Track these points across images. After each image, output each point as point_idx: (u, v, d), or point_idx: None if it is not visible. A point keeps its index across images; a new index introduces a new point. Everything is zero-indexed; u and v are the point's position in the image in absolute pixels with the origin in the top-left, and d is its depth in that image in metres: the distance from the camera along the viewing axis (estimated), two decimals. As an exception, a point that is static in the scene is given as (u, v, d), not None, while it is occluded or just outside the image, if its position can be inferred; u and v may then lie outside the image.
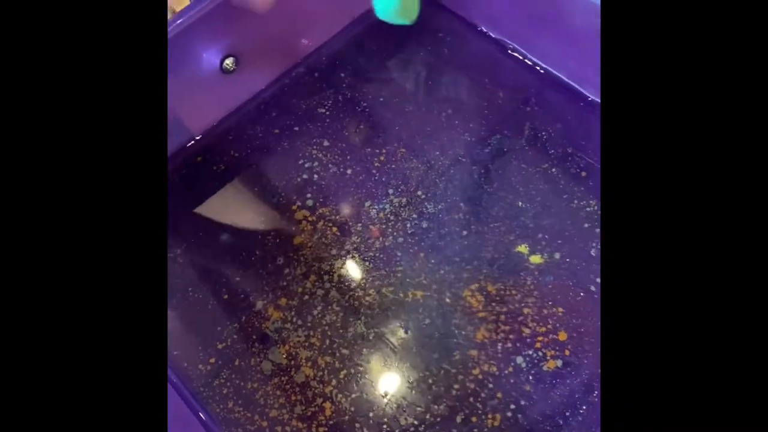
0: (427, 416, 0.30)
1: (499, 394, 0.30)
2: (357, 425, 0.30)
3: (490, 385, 0.30)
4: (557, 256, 0.32)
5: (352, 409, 0.30)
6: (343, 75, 0.39)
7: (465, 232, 0.34)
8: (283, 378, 0.31)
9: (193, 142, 0.37)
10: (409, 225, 0.34)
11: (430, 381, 0.31)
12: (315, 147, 0.37)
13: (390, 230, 0.34)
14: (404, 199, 0.35)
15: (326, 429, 0.30)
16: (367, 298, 0.32)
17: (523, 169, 0.35)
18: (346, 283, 0.33)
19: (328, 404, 0.30)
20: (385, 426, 0.30)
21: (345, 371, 0.31)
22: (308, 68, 0.39)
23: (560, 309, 0.32)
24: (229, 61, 0.33)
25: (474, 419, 0.30)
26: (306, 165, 0.36)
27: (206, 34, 0.31)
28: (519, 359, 0.31)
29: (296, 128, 0.37)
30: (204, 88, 0.34)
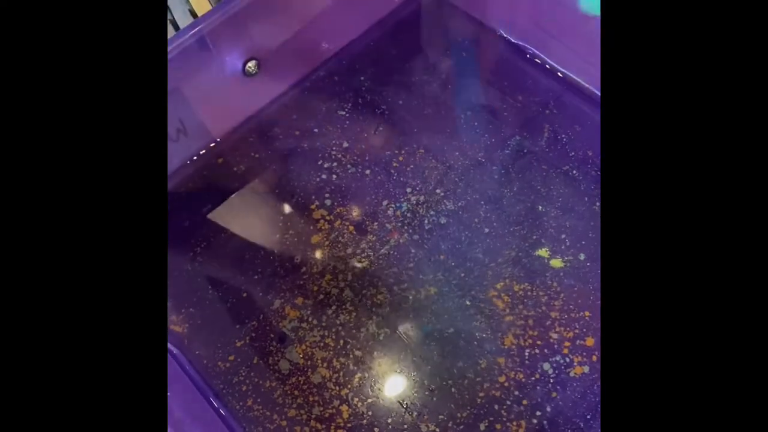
0: (450, 424, 0.29)
1: (524, 401, 0.29)
2: (376, 430, 0.29)
3: (516, 392, 0.29)
4: (582, 257, 0.31)
5: (370, 413, 0.30)
6: (362, 78, 0.39)
7: (487, 230, 0.33)
8: (300, 378, 0.31)
9: (214, 143, 0.37)
10: (426, 221, 0.33)
11: (453, 390, 0.30)
12: (334, 148, 0.37)
13: (406, 228, 0.34)
14: (422, 197, 0.34)
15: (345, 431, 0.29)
16: (380, 297, 0.32)
17: (543, 171, 0.35)
18: (360, 282, 0.32)
19: (345, 407, 0.30)
20: None
21: (360, 374, 0.30)
22: (328, 72, 0.40)
23: (587, 313, 0.31)
24: (251, 65, 0.34)
25: (498, 426, 0.29)
26: (325, 165, 0.36)
27: (229, 37, 0.32)
28: (546, 365, 0.30)
29: (316, 130, 0.38)
30: (226, 91, 0.35)
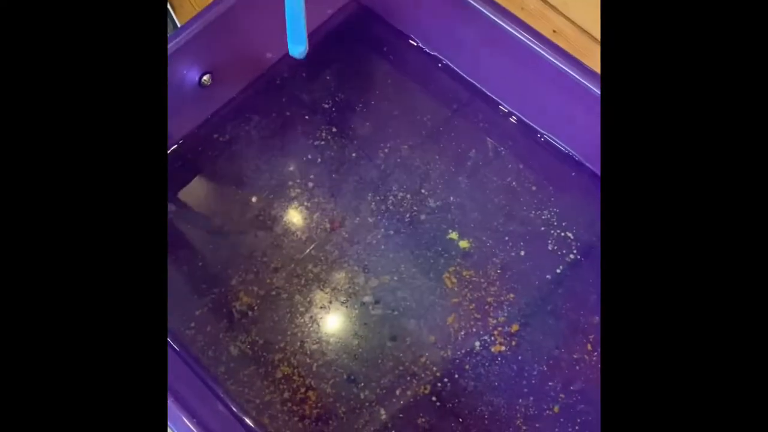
0: (401, 402, 0.31)
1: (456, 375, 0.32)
2: (338, 404, 0.31)
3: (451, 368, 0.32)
4: (522, 253, 0.35)
5: (334, 392, 0.31)
6: (329, 77, 0.40)
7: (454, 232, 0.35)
8: (266, 357, 0.32)
9: (176, 145, 0.38)
10: (408, 216, 0.35)
11: (391, 363, 0.32)
12: (323, 132, 0.38)
13: (386, 221, 0.35)
14: (408, 195, 0.36)
15: (319, 410, 0.31)
16: (342, 283, 0.34)
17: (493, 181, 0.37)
18: (322, 264, 0.34)
19: (311, 393, 0.31)
20: (366, 410, 0.31)
21: (320, 361, 0.32)
22: (272, 77, 0.40)
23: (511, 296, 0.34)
24: (206, 78, 0.36)
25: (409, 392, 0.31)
26: (308, 156, 0.37)
27: (188, 57, 0.34)
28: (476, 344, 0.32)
29: (267, 129, 0.38)
30: (184, 101, 0.36)
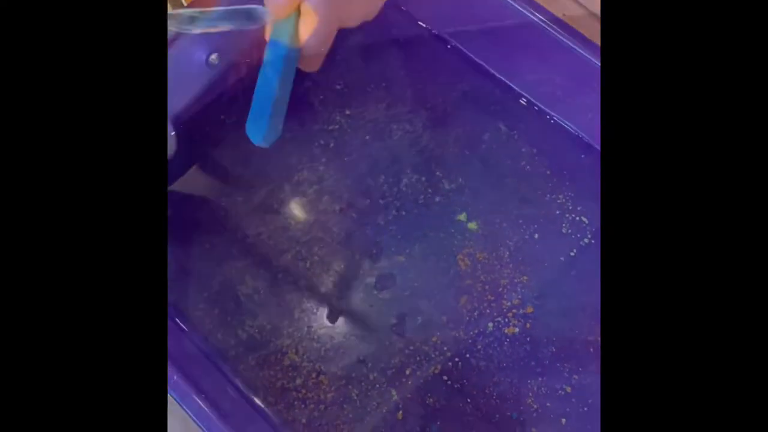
0: (411, 382, 0.31)
1: (467, 355, 0.31)
2: (350, 387, 0.31)
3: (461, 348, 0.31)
4: (536, 236, 0.34)
5: (345, 374, 0.31)
6: (338, 58, 0.39)
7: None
8: (275, 342, 0.31)
9: (183, 125, 0.37)
10: (422, 198, 0.35)
11: (401, 345, 0.31)
12: (301, 125, 0.37)
13: (398, 203, 0.35)
14: (423, 178, 0.35)
15: (333, 395, 0.30)
16: (337, 265, 0.33)
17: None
18: (328, 246, 0.34)
19: (323, 377, 0.31)
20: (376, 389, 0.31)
21: (328, 345, 0.32)
22: None
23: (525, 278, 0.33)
24: (213, 57, 0.35)
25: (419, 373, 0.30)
26: (321, 140, 0.36)
27: (196, 36, 0.33)
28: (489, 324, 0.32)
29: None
30: (193, 80, 0.35)
